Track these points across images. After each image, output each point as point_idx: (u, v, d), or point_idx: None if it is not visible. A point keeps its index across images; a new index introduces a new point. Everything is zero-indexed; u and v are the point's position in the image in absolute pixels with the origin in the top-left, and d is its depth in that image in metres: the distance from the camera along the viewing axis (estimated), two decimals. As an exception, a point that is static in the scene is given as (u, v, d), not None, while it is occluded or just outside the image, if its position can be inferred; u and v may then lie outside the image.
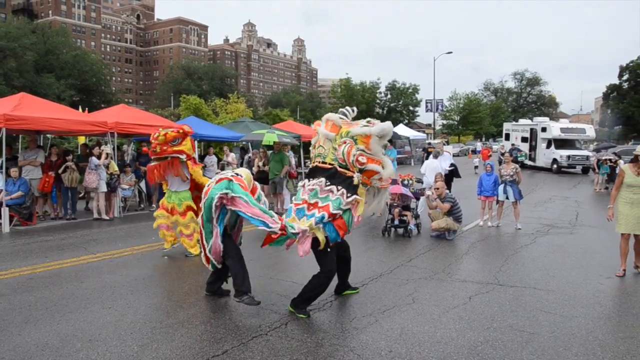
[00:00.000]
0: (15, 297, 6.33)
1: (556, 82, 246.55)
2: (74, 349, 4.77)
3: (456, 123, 74.56)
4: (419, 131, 55.21)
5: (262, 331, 5.20)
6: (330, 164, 5.81)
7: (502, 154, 12.52)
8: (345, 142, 5.69)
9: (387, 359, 4.59)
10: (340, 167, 5.72)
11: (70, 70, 63.22)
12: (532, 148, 32.49)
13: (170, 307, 6.03)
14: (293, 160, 15.59)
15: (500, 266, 8.07)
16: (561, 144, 30.42)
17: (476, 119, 71.65)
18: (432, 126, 62.20)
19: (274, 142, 14.06)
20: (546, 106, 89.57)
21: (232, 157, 18.62)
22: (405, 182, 11.30)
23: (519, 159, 25.73)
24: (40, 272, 7.52)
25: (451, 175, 14.23)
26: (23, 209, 11.71)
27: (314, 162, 6.03)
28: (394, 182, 11.33)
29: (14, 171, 11.82)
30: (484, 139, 73.00)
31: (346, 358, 4.59)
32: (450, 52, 59.19)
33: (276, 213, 12.72)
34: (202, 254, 6.14)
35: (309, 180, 5.95)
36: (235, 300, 5.84)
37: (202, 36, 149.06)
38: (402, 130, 40.95)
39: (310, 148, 6.20)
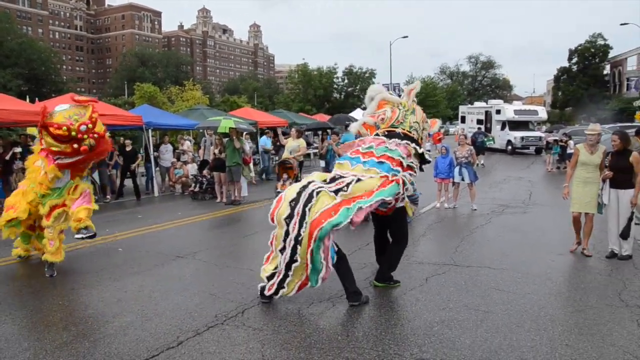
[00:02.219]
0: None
1: (510, 65, 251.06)
2: (21, 347, 4.60)
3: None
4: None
5: (218, 320, 5.13)
6: (408, 131, 6.16)
7: (459, 137, 12.63)
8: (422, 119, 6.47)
9: (343, 343, 4.59)
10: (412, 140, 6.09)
11: (17, 58, 60.96)
12: (488, 130, 33.10)
13: (124, 299, 5.88)
14: (247, 147, 15.42)
15: (456, 247, 8.18)
16: (515, 125, 31.08)
17: (433, 103, 72.44)
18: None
19: (230, 128, 13.87)
20: (501, 89, 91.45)
21: (187, 145, 18.32)
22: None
23: (487, 143, 25.65)
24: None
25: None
26: (-33, 204, 11.23)
27: (408, 131, 6.18)
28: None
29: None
30: (442, 123, 73.82)
31: (303, 344, 4.56)
32: (406, 37, 59.64)
33: (233, 201, 12.62)
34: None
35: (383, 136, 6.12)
36: (354, 304, 5.48)
37: (156, 22, 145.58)
38: (359, 114, 40.99)
39: (401, 110, 6.34)
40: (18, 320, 5.33)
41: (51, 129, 6.43)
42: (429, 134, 7.13)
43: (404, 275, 6.57)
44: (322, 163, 15.53)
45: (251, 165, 17.40)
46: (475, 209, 11.53)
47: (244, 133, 17.72)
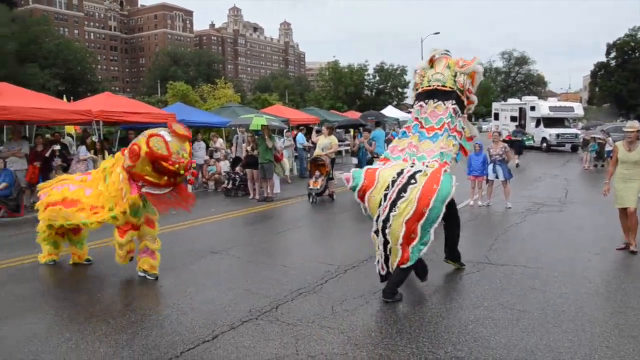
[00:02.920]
0: (3, 289, 6.26)
1: (544, 61, 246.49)
2: (62, 339, 4.73)
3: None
4: (408, 112, 55.07)
5: (253, 315, 5.18)
6: (450, 87, 6.28)
7: (493, 134, 12.48)
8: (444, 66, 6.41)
9: (377, 339, 4.59)
10: (458, 91, 6.30)
11: (54, 59, 62.31)
12: (521, 127, 32.56)
13: (160, 294, 5.99)
14: (279, 144, 15.50)
15: (490, 245, 8.09)
16: (550, 122, 30.50)
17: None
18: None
19: (262, 125, 13.96)
20: (535, 85, 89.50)
21: (220, 142, 18.50)
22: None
23: (527, 142, 25.00)
24: (29, 264, 7.43)
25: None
26: (10, 200, 11.58)
27: (429, 85, 6.37)
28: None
29: (-2, 162, 11.67)
30: (472, 120, 72.96)
31: (336, 340, 4.58)
32: (438, 33, 58.78)
33: (265, 198, 12.71)
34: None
35: (426, 102, 6.35)
36: (388, 301, 5.54)
37: (188, 22, 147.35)
38: (391, 111, 40.80)
39: (419, 74, 6.61)
40: (60, 311, 5.48)
41: (165, 164, 5.87)
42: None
43: (438, 273, 6.53)
44: (354, 160, 15.52)
45: (286, 160, 17.48)
46: (509, 207, 11.37)
47: (275, 130, 17.83)
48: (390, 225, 5.46)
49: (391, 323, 4.99)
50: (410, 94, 7.16)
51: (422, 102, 6.39)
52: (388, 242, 5.55)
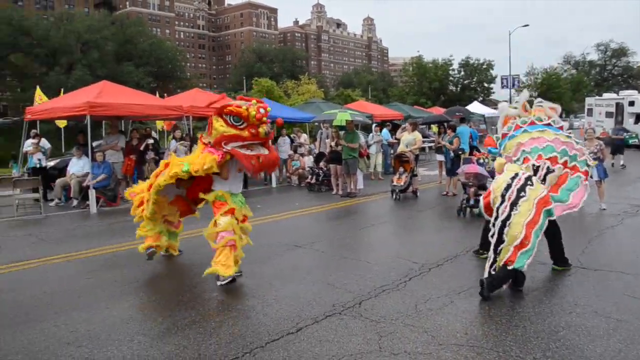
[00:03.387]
0: (102, 274, 6.68)
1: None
2: (155, 322, 5.00)
3: (534, 99, 71.49)
4: (494, 109, 53.44)
5: (336, 310, 5.22)
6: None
7: (586, 132, 11.84)
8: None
9: (462, 340, 4.49)
10: None
11: (148, 58, 65.76)
12: (618, 123, 30.71)
13: (246, 286, 6.16)
14: (363, 139, 15.50)
15: (583, 248, 7.69)
16: (652, 118, 28.57)
17: (556, 95, 68.39)
18: (509, 103, 59.81)
19: (347, 121, 14.01)
20: (634, 78, 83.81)
21: (304, 138, 18.75)
22: (481, 160, 10.95)
23: (630, 141, 23.45)
24: (124, 251, 7.90)
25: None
26: (108, 190, 12.34)
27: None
28: (468, 160, 11.05)
29: (98, 155, 12.43)
30: (563, 116, 69.76)
31: (420, 339, 4.52)
32: (527, 25, 56.45)
33: (349, 194, 12.77)
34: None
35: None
36: (484, 295, 5.48)
37: (272, 19, 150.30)
38: (476, 107, 39.72)
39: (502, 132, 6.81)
40: (152, 297, 5.79)
41: (230, 107, 5.74)
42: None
43: (527, 276, 6.28)
44: (439, 157, 15.25)
45: (376, 156, 17.47)
46: (604, 209, 10.76)
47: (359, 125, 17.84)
48: (510, 223, 5.57)
49: (477, 325, 4.87)
50: (499, 128, 7.15)
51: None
52: (502, 242, 5.60)
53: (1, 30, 50.89)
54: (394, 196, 12.86)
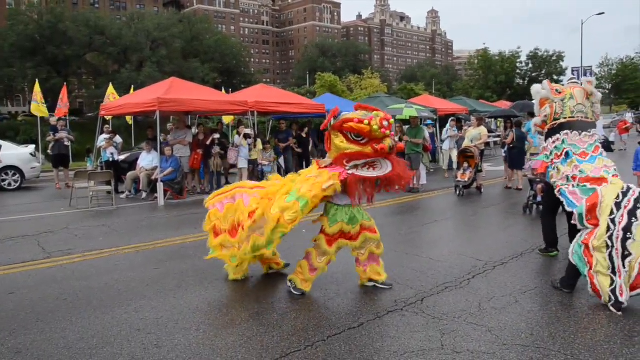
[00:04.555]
0: (169, 264, 6.93)
1: None
2: (220, 313, 5.15)
3: (607, 92, 68.46)
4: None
5: (398, 306, 5.19)
6: (591, 119, 6.09)
7: None
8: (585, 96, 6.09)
9: (528, 341, 4.36)
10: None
11: (213, 54, 67.34)
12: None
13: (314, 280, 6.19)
14: (427, 134, 15.28)
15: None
16: None
17: (632, 86, 65.13)
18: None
19: (411, 116, 13.88)
20: None
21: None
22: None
23: None
24: (190, 242, 8.15)
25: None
26: (175, 184, 12.74)
27: (571, 117, 6.02)
28: (537, 156, 10.70)
29: (167, 150, 12.86)
30: (630, 109, 66.31)
31: (484, 338, 4.44)
32: (602, 13, 53.82)
33: (412, 189, 12.64)
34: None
35: (572, 132, 5.98)
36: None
37: (335, 14, 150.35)
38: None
39: (557, 101, 6.16)
40: (218, 289, 5.93)
41: (351, 124, 5.13)
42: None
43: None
44: (503, 152, 14.87)
45: (450, 152, 17.23)
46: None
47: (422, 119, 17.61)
48: (634, 236, 4.93)
49: (543, 325, 4.72)
50: (535, 111, 6.66)
51: (567, 131, 5.93)
52: (629, 255, 4.96)
53: (80, 31, 53.55)
54: (458, 192, 12.63)
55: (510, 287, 5.75)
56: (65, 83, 27.51)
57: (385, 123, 5.15)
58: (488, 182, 13.17)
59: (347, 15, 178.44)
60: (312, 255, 5.60)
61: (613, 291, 5.00)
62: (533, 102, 6.71)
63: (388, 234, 8.59)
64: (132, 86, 26.57)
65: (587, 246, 5.22)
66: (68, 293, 5.78)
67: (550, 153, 6.00)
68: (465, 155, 12.99)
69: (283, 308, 5.25)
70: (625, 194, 5.11)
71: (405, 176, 5.62)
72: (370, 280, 5.81)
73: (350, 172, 5.24)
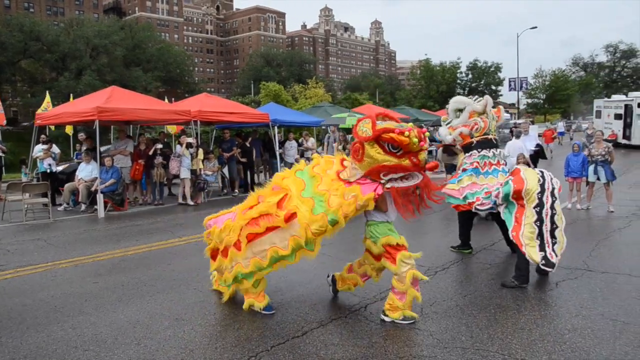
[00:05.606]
0: (109, 278, 6.73)
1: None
2: (162, 326, 5.02)
3: (542, 102, 71.49)
4: (506, 112, 53.08)
5: (342, 314, 5.24)
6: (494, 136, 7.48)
7: (589, 135, 11.82)
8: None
9: (467, 344, 4.49)
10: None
11: (156, 62, 66.25)
12: (627, 125, 30.52)
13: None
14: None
15: (590, 251, 7.67)
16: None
17: (563, 97, 68.21)
18: (516, 105, 59.91)
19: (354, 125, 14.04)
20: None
21: (311, 142, 18.79)
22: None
23: None
24: (131, 255, 7.96)
25: (537, 156, 13.60)
26: (116, 195, 12.40)
27: (493, 134, 7.44)
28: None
29: (107, 160, 12.51)
30: (571, 118, 69.48)
31: (426, 342, 4.54)
32: (535, 27, 56.57)
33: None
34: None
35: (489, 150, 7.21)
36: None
37: (280, 23, 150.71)
38: (484, 110, 39.59)
39: (491, 122, 7.41)
40: (160, 301, 5.78)
41: (392, 135, 4.74)
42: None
43: (533, 279, 6.29)
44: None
45: None
46: (612, 211, 10.72)
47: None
48: (556, 211, 6.11)
49: (482, 328, 4.87)
50: (460, 120, 7.17)
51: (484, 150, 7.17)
52: (556, 228, 6.09)
53: (13, 37, 51.59)
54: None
55: (452, 291, 5.91)
56: (-3, 91, 26.33)
57: (422, 136, 4.88)
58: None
59: (292, 25, 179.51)
60: (394, 283, 5.09)
61: (544, 257, 5.93)
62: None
63: (331, 242, 8.62)
64: (71, 95, 25.76)
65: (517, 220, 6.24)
66: None
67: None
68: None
69: (226, 319, 5.19)
70: (543, 177, 6.10)
71: (434, 187, 5.23)
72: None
73: (388, 185, 4.94)
